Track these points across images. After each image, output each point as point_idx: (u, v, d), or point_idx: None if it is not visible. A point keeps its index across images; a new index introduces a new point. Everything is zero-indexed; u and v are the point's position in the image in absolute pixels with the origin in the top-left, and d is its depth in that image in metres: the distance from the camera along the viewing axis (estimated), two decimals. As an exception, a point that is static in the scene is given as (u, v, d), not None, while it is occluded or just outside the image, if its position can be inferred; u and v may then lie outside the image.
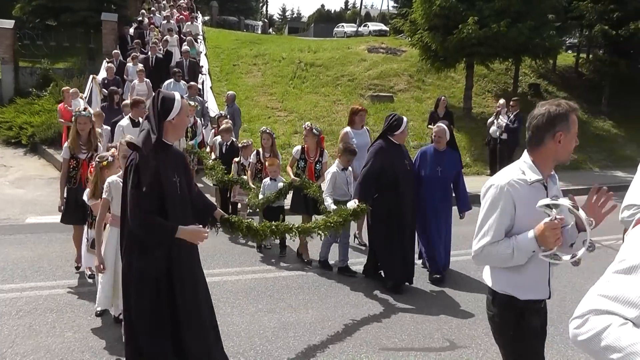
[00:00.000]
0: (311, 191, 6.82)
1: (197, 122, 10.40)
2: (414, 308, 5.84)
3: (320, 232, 5.26)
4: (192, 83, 12.87)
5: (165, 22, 20.73)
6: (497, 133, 12.99)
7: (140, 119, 8.46)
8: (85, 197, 5.20)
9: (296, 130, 15.00)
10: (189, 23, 21.37)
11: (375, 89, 19.11)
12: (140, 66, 13.62)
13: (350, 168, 7.07)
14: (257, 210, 7.67)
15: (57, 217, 8.96)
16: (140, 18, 21.88)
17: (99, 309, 5.29)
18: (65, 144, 6.40)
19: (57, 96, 16.23)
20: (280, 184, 7.29)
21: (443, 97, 12.88)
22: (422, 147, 6.97)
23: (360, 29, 39.88)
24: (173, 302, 3.65)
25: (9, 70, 18.10)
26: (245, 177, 8.18)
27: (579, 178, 13.62)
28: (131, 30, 19.49)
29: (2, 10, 22.29)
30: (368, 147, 7.67)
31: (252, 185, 7.75)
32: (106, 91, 13.25)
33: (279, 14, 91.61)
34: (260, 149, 8.31)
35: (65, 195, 6.49)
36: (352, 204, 5.85)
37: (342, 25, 44.62)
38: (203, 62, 17.95)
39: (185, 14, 24.18)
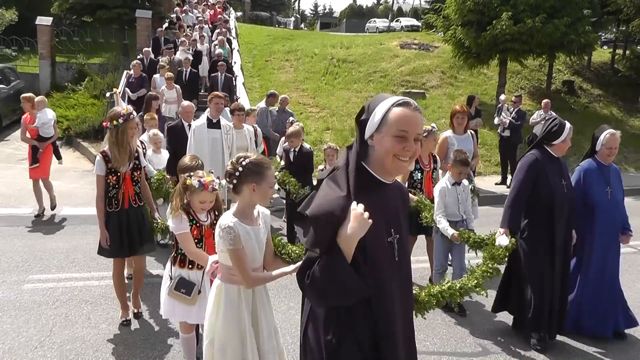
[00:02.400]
0: (427, 214, 5.73)
1: (258, 130, 9.01)
2: (446, 311, 5.73)
3: (483, 292, 4.40)
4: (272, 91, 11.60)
5: (198, 25, 20.44)
6: (500, 130, 12.64)
7: (222, 119, 7.53)
8: (170, 223, 3.80)
9: (328, 127, 14.99)
10: (221, 37, 18.60)
11: (408, 85, 18.97)
12: (170, 74, 12.56)
13: (464, 182, 5.75)
14: None
15: (91, 210, 9.21)
16: (174, 15, 21.94)
17: None
18: (98, 157, 4.87)
19: (92, 91, 16.65)
20: None
21: (476, 96, 12.68)
22: (581, 162, 5.37)
23: (392, 25, 39.62)
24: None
25: (46, 66, 18.58)
26: None
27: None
28: (165, 26, 19.51)
29: (41, 7, 22.84)
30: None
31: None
32: (131, 93, 12.82)
33: (311, 10, 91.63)
34: None
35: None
36: (504, 239, 4.76)
37: (374, 21, 44.46)
38: (236, 58, 18.04)
39: (218, 11, 24.22)
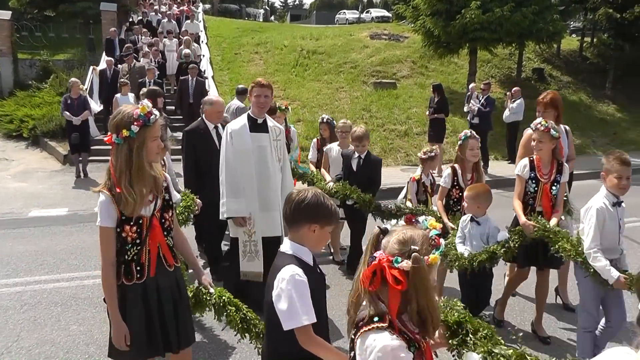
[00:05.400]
0: (558, 247, 4.18)
1: (291, 130, 7.52)
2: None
3: None
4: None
5: (166, 20, 20.13)
6: (469, 117, 12.74)
7: (268, 118, 5.15)
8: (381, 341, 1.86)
9: (299, 119, 14.89)
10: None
11: (378, 75, 18.97)
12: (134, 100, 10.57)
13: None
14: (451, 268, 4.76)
15: (60, 210, 9.06)
16: (140, 17, 21.35)
17: None
18: (103, 197, 2.82)
19: (58, 88, 16.22)
20: (502, 235, 4.55)
21: (435, 84, 12.64)
22: None
23: (362, 16, 39.71)
24: None
25: (8, 63, 17.95)
26: (435, 208, 5.43)
27: (583, 163, 13.37)
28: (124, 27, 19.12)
29: (-1, 1, 22.18)
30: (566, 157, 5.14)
31: (451, 225, 4.98)
32: (75, 118, 10.76)
33: (281, 2, 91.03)
34: (457, 166, 5.21)
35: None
36: None
37: (344, 12, 44.48)
38: (204, 51, 17.81)
39: (186, 9, 23.80)
